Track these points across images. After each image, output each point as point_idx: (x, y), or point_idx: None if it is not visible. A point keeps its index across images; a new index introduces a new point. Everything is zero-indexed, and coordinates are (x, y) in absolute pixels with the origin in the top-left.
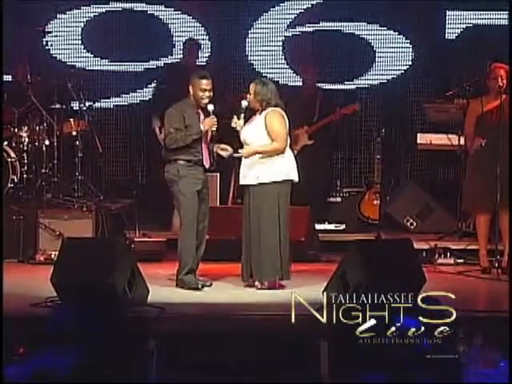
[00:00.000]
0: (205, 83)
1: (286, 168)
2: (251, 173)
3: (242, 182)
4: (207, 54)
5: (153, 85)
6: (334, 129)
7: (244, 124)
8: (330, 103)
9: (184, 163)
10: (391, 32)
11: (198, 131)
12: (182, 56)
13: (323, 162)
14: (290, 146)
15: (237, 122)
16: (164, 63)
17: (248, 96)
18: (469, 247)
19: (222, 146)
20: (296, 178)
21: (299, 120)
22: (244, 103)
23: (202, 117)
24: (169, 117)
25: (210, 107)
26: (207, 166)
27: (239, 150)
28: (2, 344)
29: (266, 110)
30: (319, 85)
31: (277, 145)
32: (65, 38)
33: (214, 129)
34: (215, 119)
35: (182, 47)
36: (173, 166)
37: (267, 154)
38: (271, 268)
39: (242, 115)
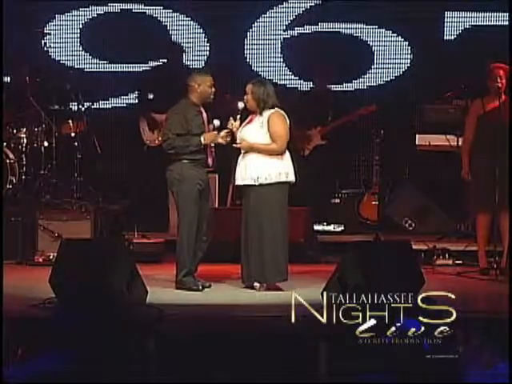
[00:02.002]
0: (211, 79)
1: (284, 169)
2: (250, 174)
3: (241, 182)
4: (205, 56)
5: (137, 88)
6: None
7: (240, 125)
8: (343, 104)
9: (188, 162)
10: (390, 33)
11: (197, 143)
12: (165, 59)
13: (331, 163)
14: (289, 148)
15: (233, 124)
16: (151, 66)
17: (245, 97)
18: (467, 248)
19: (222, 133)
20: (293, 180)
21: (312, 120)
22: (240, 104)
23: (204, 115)
24: (169, 120)
25: (216, 123)
26: (210, 164)
27: (238, 141)
28: (2, 345)
29: (268, 111)
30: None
31: (275, 146)
32: (63, 40)
33: (213, 145)
34: (217, 135)
35: (165, 50)
36: (177, 166)
37: (263, 153)
38: (274, 270)
39: (238, 116)
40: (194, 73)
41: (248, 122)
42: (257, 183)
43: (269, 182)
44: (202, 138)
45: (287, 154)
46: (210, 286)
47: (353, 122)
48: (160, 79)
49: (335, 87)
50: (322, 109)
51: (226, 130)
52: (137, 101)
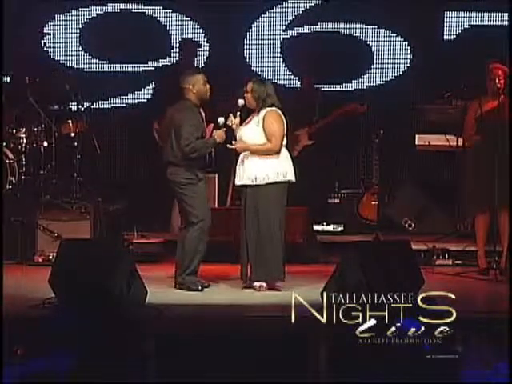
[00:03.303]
0: (204, 76)
1: (282, 169)
2: (248, 174)
3: (239, 182)
4: (205, 56)
5: (152, 86)
6: (334, 129)
7: (240, 123)
8: (330, 103)
9: (194, 164)
10: (389, 33)
11: (213, 143)
12: (178, 57)
13: (324, 162)
14: (287, 147)
15: (233, 121)
16: (162, 65)
17: (245, 94)
18: (467, 248)
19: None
20: (293, 179)
21: (300, 120)
22: (240, 102)
23: (203, 114)
24: (186, 125)
25: (221, 120)
26: (208, 165)
27: (233, 142)
28: (2, 345)
29: (264, 110)
30: (318, 85)
31: (270, 145)
32: (63, 40)
33: (222, 141)
34: (223, 132)
35: (178, 47)
36: (187, 169)
37: (259, 153)
38: (271, 270)
39: (238, 114)
40: (185, 75)
41: (247, 122)
42: (254, 183)
43: (266, 182)
44: (216, 138)
45: (286, 153)
46: (208, 286)
47: (340, 119)
48: (172, 78)
49: (334, 88)
50: (308, 109)
51: (224, 129)
52: (151, 97)
